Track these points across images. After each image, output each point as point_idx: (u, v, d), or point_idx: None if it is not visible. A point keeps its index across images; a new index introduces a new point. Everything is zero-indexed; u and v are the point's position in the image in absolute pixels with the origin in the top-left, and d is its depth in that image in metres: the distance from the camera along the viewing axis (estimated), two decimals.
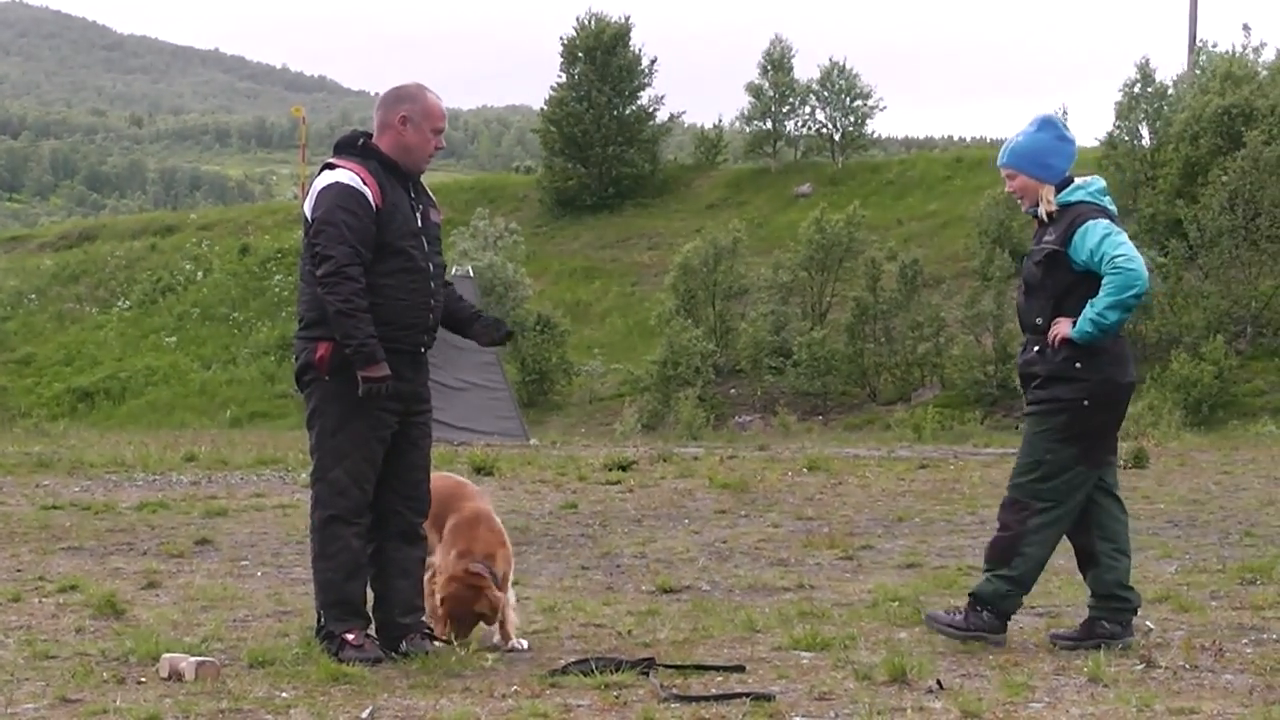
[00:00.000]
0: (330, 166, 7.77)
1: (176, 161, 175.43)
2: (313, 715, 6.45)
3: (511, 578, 8.19)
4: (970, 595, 8.21)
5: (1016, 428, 35.53)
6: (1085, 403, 8.05)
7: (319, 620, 7.76)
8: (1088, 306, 7.94)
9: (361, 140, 7.85)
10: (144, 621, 8.81)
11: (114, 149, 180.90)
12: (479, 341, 8.31)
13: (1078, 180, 8.25)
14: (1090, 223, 7.99)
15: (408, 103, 7.82)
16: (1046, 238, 8.14)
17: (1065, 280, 8.06)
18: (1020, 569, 8.17)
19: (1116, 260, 7.88)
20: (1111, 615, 8.13)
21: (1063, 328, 8.01)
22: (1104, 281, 7.91)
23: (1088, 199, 8.17)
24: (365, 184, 7.66)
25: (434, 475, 8.21)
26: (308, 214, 7.72)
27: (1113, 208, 8.26)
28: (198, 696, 6.76)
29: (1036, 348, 8.15)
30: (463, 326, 8.24)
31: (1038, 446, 8.16)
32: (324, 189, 7.68)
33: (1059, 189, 8.19)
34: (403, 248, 7.72)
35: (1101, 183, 8.32)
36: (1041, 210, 8.21)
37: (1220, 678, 7.12)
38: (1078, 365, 8.03)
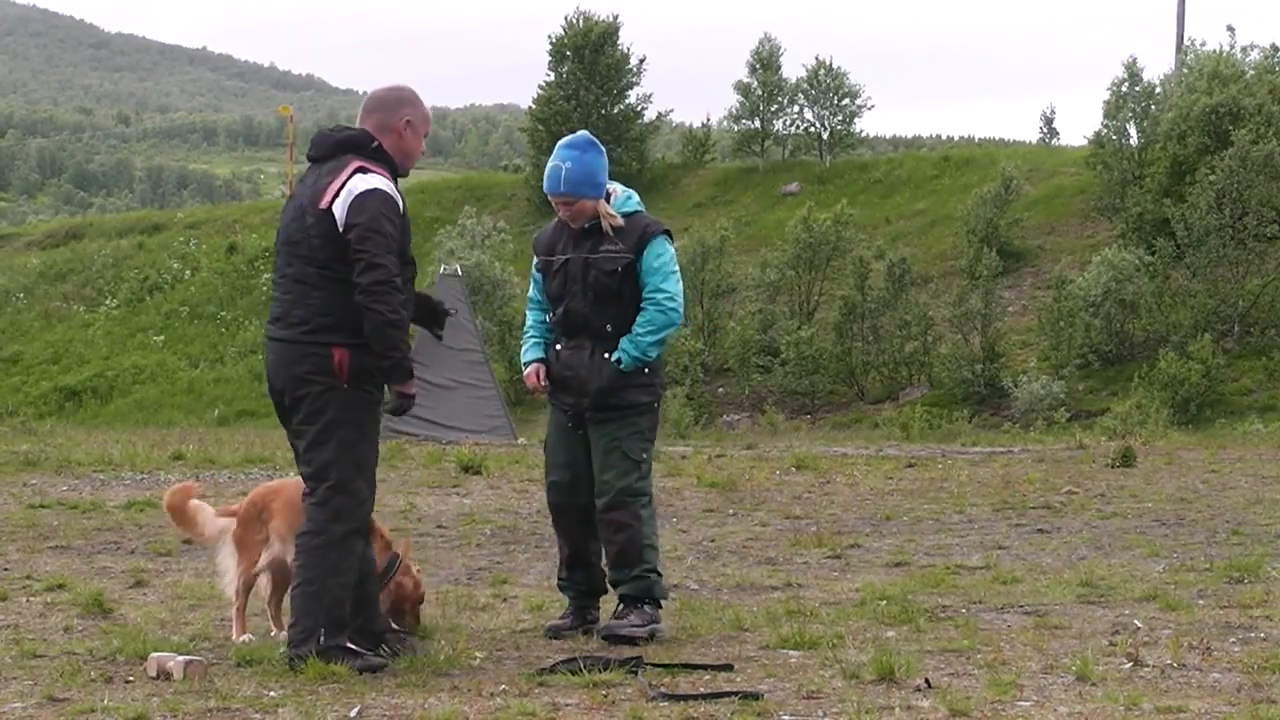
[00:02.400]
0: (364, 170, 7.48)
1: (164, 160, 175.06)
2: (300, 714, 6.44)
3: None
4: (624, 598, 8.46)
5: (1003, 427, 35.60)
6: (656, 405, 8.69)
7: (315, 639, 7.32)
8: (629, 340, 8.48)
9: (376, 144, 7.61)
10: (131, 620, 8.81)
11: (101, 147, 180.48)
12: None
13: (618, 190, 8.71)
14: (657, 239, 8.57)
15: (409, 106, 7.69)
16: (611, 247, 8.53)
17: (633, 291, 8.54)
18: (652, 560, 8.46)
19: (661, 299, 8.50)
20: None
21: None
22: (645, 316, 8.50)
23: (640, 208, 8.74)
24: (397, 192, 7.54)
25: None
26: (340, 217, 7.38)
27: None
28: (185, 695, 6.76)
29: (607, 353, 8.52)
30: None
31: (633, 448, 8.51)
32: (366, 193, 7.40)
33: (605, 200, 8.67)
34: (412, 257, 7.64)
35: (634, 191, 8.88)
36: (606, 225, 8.57)
37: (1208, 676, 7.13)
38: (646, 371, 8.58)
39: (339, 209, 7.39)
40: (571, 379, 8.57)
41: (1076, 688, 6.88)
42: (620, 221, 8.57)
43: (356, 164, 7.49)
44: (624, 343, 8.46)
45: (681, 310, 8.60)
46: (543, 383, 8.72)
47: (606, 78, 57.52)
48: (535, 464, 21.97)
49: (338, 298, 7.39)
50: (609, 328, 8.53)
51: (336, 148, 7.61)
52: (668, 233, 8.69)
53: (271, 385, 7.64)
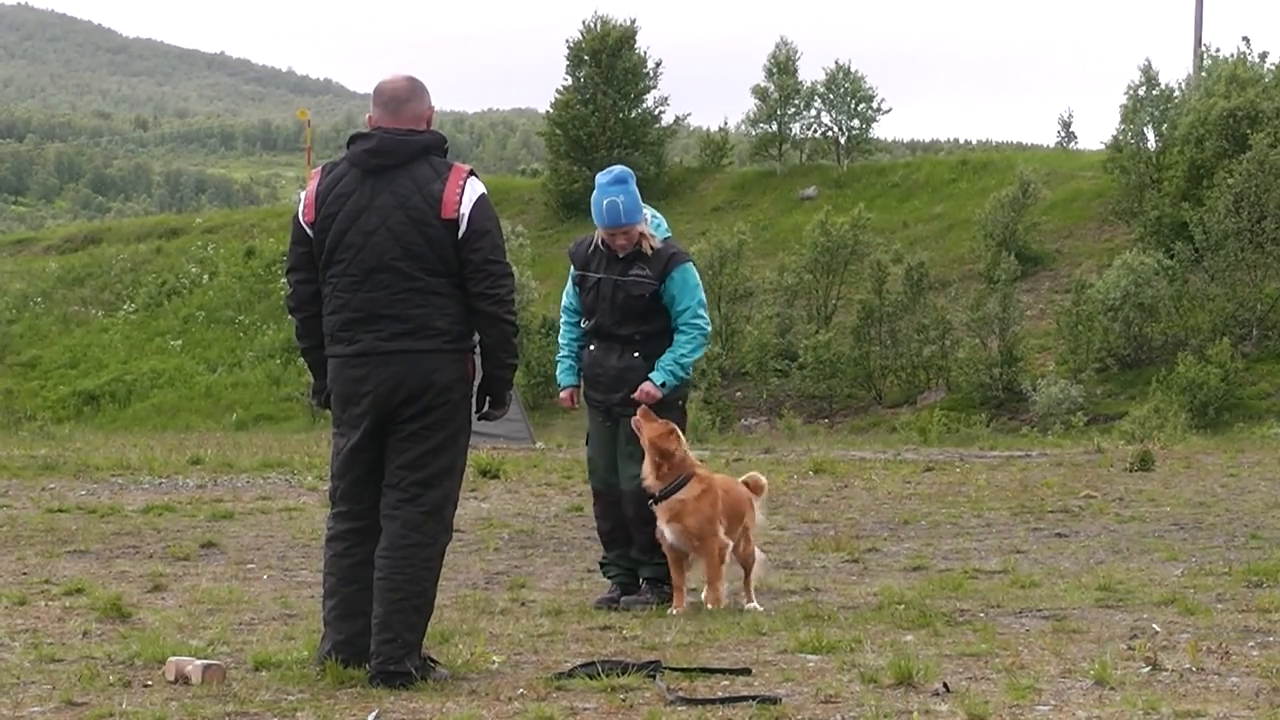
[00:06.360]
0: (473, 174, 7.25)
1: (182, 164, 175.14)
2: (319, 718, 6.45)
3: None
4: (648, 579, 9.63)
5: (1021, 431, 35.56)
6: (680, 403, 9.76)
7: (417, 653, 7.16)
8: (671, 355, 9.50)
9: (446, 144, 7.37)
10: (150, 625, 8.82)
11: (119, 152, 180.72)
12: None
13: (648, 212, 9.63)
14: (684, 266, 9.56)
15: (427, 95, 7.40)
16: (639, 273, 9.47)
17: (657, 308, 9.52)
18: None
19: (697, 321, 9.54)
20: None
21: (649, 388, 9.42)
22: (685, 335, 9.52)
23: (668, 235, 9.73)
24: None
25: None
26: (466, 224, 7.16)
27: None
28: (204, 700, 6.77)
29: (636, 354, 9.53)
30: None
31: None
32: (484, 199, 7.24)
33: None
34: None
35: (661, 215, 9.90)
36: (645, 246, 9.52)
37: (1226, 680, 7.11)
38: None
39: (465, 216, 7.16)
40: (601, 376, 9.60)
41: (1095, 692, 6.87)
42: (658, 244, 9.52)
43: (463, 169, 7.26)
44: (664, 362, 9.46)
45: (710, 328, 9.66)
46: (575, 405, 9.85)
47: (624, 82, 57.50)
48: (553, 468, 22.01)
49: (463, 306, 7.23)
50: (636, 337, 9.53)
51: (421, 152, 7.26)
52: (691, 259, 9.70)
53: (394, 392, 7.14)
